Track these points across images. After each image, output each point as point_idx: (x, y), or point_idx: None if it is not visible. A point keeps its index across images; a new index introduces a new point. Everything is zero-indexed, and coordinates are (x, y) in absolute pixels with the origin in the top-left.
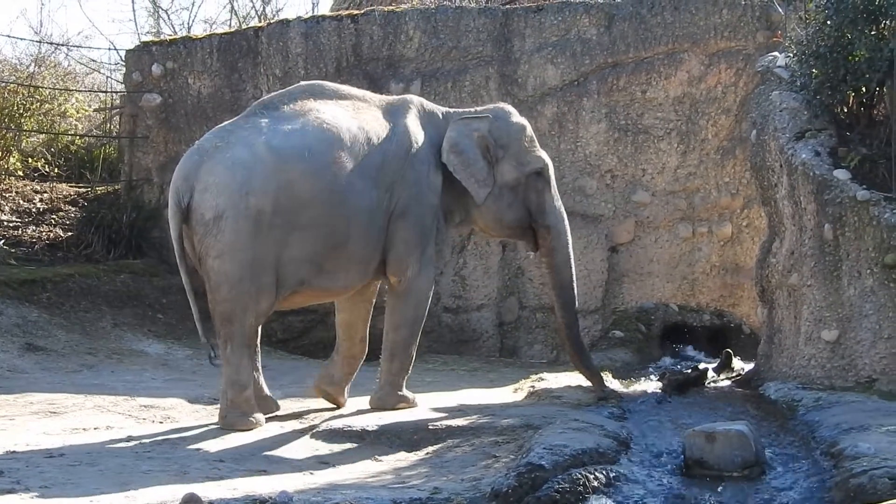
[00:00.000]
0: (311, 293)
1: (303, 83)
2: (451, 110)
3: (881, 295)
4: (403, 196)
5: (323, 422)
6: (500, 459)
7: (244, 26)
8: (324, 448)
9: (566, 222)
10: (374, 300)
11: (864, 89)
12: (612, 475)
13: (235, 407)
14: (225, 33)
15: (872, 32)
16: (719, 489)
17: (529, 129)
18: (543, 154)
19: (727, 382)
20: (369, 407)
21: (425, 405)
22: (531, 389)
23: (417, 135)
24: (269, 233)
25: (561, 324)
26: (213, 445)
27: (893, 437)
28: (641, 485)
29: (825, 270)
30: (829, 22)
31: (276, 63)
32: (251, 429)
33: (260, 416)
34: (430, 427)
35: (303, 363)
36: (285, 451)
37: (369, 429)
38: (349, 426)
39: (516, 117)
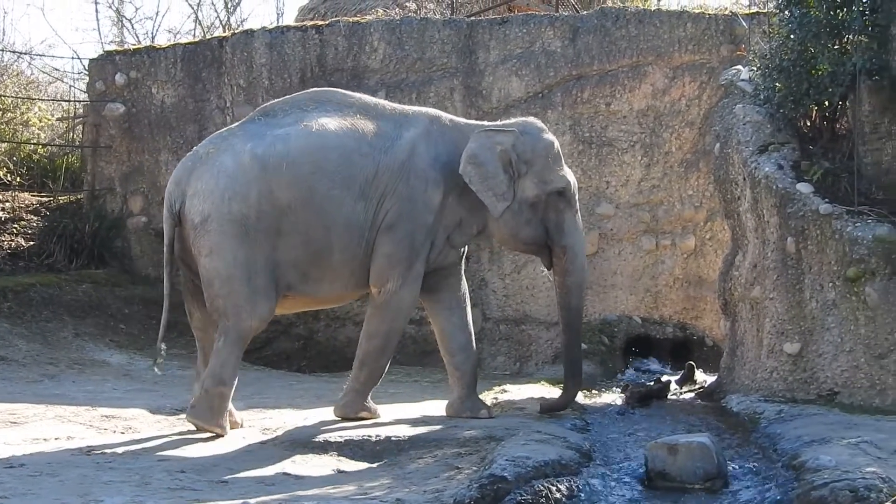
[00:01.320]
0: (299, 299)
1: (312, 90)
2: (476, 123)
3: (843, 308)
4: (393, 210)
5: (285, 432)
6: (462, 471)
7: (208, 36)
8: (286, 459)
9: (584, 245)
10: (462, 305)
11: (826, 103)
12: (574, 487)
13: (207, 398)
14: (189, 43)
15: (835, 47)
16: (681, 501)
17: (556, 147)
18: (569, 174)
19: (690, 395)
20: (333, 415)
21: (389, 416)
22: (494, 401)
23: (419, 149)
24: (256, 237)
25: (563, 343)
26: (174, 455)
27: (854, 450)
28: (603, 496)
29: (788, 283)
30: (792, 36)
31: (240, 73)
32: (213, 431)
33: (226, 424)
34: (393, 438)
35: (265, 374)
36: (247, 462)
37: (332, 440)
38: (312, 437)
39: (545, 134)
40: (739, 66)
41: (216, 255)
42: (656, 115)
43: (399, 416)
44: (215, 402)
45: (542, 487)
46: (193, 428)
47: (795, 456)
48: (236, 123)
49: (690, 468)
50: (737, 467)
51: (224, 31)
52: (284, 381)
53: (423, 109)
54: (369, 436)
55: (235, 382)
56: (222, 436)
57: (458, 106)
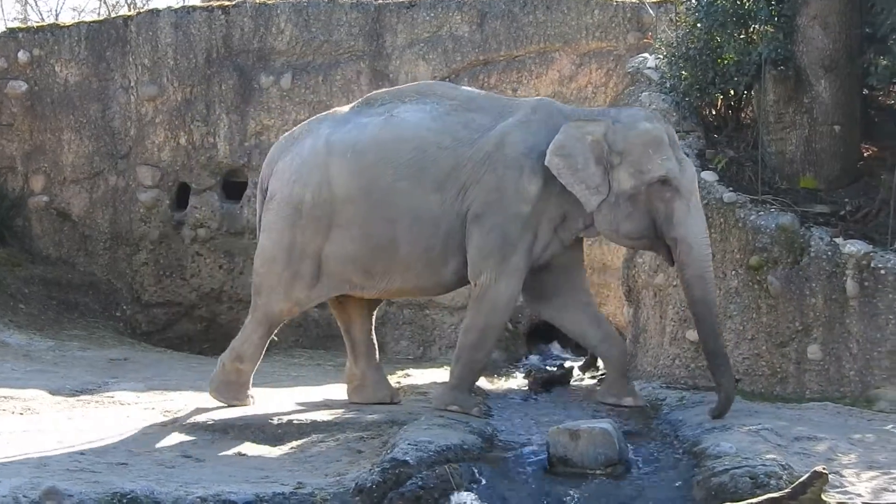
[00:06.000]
0: (385, 293)
1: (422, 81)
2: (579, 111)
3: (745, 296)
4: (478, 200)
5: (187, 415)
6: (364, 455)
7: (113, 15)
8: (188, 441)
9: (702, 235)
10: (589, 300)
11: (732, 92)
12: (476, 472)
13: (223, 372)
14: (94, 21)
15: (741, 36)
16: (582, 487)
17: (657, 135)
18: (672, 163)
19: (593, 381)
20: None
21: (290, 400)
22: (397, 385)
23: (510, 138)
24: (308, 224)
25: (699, 338)
26: (74, 438)
27: (755, 437)
28: (505, 481)
29: None
30: (699, 25)
31: (144, 53)
32: (231, 404)
33: (246, 398)
34: (294, 422)
35: (167, 356)
36: (148, 444)
37: (233, 423)
38: (213, 420)
39: (642, 122)
40: (646, 55)
41: (267, 233)
42: (563, 101)
43: (301, 399)
44: (231, 376)
45: (443, 472)
46: (93, 408)
47: (696, 443)
48: (343, 108)
49: (592, 454)
50: (638, 453)
51: (129, 10)
52: (186, 363)
53: (532, 99)
54: (271, 419)
55: (257, 362)
56: (242, 405)
57: (364, 89)
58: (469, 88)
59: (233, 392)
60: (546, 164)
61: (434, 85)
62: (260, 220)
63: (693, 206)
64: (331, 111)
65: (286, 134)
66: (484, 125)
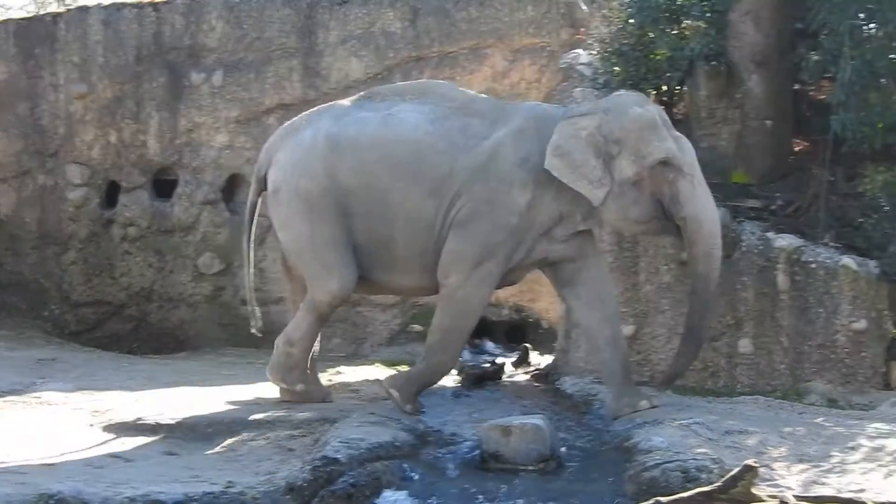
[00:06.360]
0: (377, 286)
1: (423, 80)
2: (568, 109)
3: (677, 291)
4: (466, 208)
5: (116, 415)
6: (295, 453)
7: (42, 12)
8: (117, 441)
9: (711, 210)
10: (606, 299)
11: (664, 88)
12: (408, 469)
13: (277, 354)
14: (22, 19)
15: (674, 32)
16: (514, 483)
17: (650, 118)
18: (669, 142)
19: (525, 377)
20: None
21: (221, 399)
22: (329, 383)
23: (503, 151)
24: (322, 214)
25: (688, 310)
26: (1, 438)
27: (686, 431)
28: (437, 478)
29: (623, 266)
30: (631, 21)
31: (74, 50)
32: (280, 386)
33: (298, 383)
34: (225, 420)
35: (96, 355)
36: (77, 444)
37: (163, 422)
38: (143, 419)
39: (632, 107)
40: (579, 50)
41: (287, 229)
42: (496, 97)
43: (232, 398)
44: (282, 359)
45: (375, 469)
46: (20, 409)
47: (628, 437)
48: (343, 101)
49: (524, 450)
50: (570, 449)
51: (58, 7)
52: (116, 362)
53: (528, 105)
54: (201, 418)
55: (310, 349)
56: (297, 393)
57: (296, 86)
58: (464, 90)
59: (283, 373)
60: (546, 167)
61: (432, 84)
62: (251, 207)
63: (697, 182)
64: (329, 104)
65: (286, 124)
66: (479, 132)
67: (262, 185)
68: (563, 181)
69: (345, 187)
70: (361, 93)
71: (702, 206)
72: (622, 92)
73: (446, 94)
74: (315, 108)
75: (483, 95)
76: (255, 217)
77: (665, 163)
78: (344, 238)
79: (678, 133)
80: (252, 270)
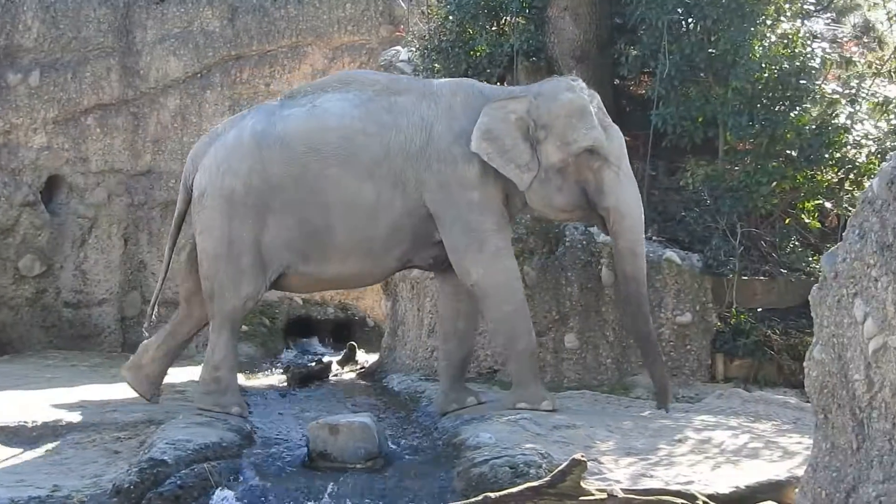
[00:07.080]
0: (306, 279)
1: (344, 71)
2: (499, 90)
3: None
4: (430, 201)
5: None
6: (122, 455)
7: None
8: None
9: (634, 203)
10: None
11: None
12: (235, 469)
13: (204, 385)
14: None
15: (493, 28)
16: (342, 481)
17: (580, 105)
18: (597, 131)
19: (352, 375)
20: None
21: (46, 401)
22: None
23: (437, 130)
24: (245, 213)
25: (628, 320)
26: None
27: (514, 427)
28: (265, 478)
29: None
30: (451, 17)
31: None
32: (222, 411)
33: (234, 401)
34: (50, 424)
35: None
36: None
37: None
38: None
39: (563, 93)
40: (399, 47)
41: (207, 233)
42: None
43: (56, 401)
44: (211, 387)
45: (202, 470)
46: None
47: (456, 434)
48: (268, 102)
49: (352, 448)
50: (399, 446)
51: None
52: None
53: (450, 81)
54: (25, 421)
55: (235, 366)
56: (239, 414)
57: (115, 86)
58: (386, 74)
59: (220, 397)
60: (474, 150)
61: (353, 73)
62: (178, 217)
63: (623, 173)
64: (254, 107)
65: (209, 131)
66: (406, 108)
67: (189, 193)
68: (492, 164)
69: (273, 183)
70: (283, 93)
71: (625, 198)
72: (553, 79)
73: (368, 79)
74: (238, 114)
75: (406, 76)
76: (181, 226)
77: (591, 151)
78: (260, 241)
79: (610, 121)
80: (165, 276)
